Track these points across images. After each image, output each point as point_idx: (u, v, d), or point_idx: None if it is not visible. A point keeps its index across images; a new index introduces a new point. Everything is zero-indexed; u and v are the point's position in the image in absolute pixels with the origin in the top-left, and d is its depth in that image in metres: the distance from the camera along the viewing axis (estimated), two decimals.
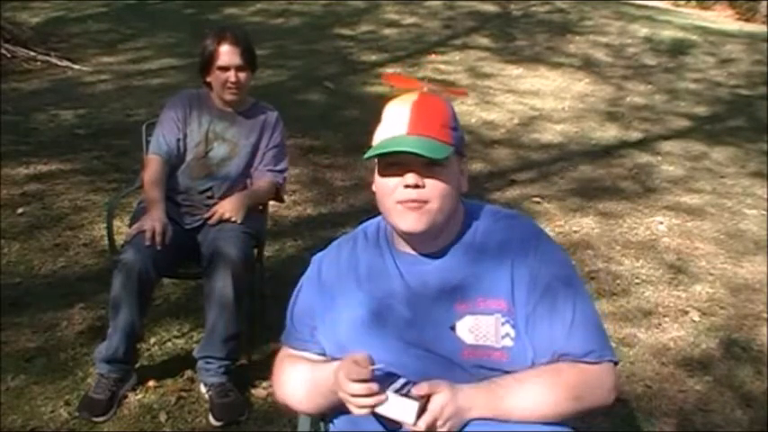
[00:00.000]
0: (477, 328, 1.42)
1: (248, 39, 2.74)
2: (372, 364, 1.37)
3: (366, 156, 1.41)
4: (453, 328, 1.42)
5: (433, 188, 1.41)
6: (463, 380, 1.39)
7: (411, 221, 1.42)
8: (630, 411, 2.69)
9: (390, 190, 1.43)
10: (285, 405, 1.59)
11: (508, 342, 1.41)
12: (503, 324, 1.41)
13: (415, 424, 1.31)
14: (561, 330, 1.42)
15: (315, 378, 1.49)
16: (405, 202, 1.42)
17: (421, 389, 1.33)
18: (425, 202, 1.41)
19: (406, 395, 1.32)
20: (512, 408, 1.37)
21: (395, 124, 1.43)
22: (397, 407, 1.32)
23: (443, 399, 1.33)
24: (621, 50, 8.69)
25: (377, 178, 1.47)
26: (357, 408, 1.35)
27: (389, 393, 1.32)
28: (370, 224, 1.60)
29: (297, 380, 1.54)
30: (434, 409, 1.32)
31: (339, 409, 1.44)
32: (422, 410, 1.31)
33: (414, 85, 1.51)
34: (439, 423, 1.32)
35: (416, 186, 1.40)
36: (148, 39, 7.89)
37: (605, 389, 1.43)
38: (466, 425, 1.36)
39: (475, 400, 1.36)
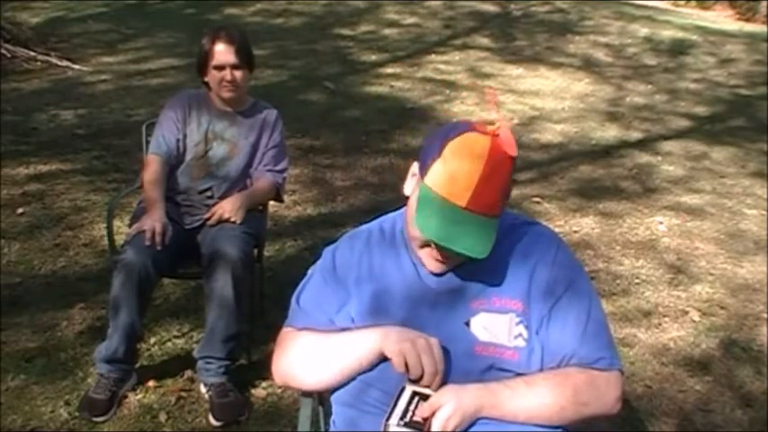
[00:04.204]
0: (492, 326, 1.42)
1: (244, 37, 2.73)
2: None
3: (420, 232, 1.36)
4: (468, 324, 1.43)
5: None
6: (474, 377, 1.40)
7: (435, 266, 1.44)
8: (630, 411, 2.69)
9: (418, 244, 1.44)
10: (285, 384, 1.56)
11: (520, 342, 1.42)
12: (516, 324, 1.42)
13: None
14: (574, 335, 1.43)
15: (340, 336, 1.47)
16: (431, 257, 1.43)
17: (423, 411, 1.33)
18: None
19: (409, 423, 1.32)
20: (517, 409, 1.37)
21: (459, 189, 1.34)
22: None
23: (446, 413, 1.33)
24: (621, 50, 8.70)
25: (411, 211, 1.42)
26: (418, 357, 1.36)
27: (393, 428, 1.32)
28: (386, 220, 1.59)
29: (307, 346, 1.50)
30: (439, 423, 1.32)
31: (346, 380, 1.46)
32: None
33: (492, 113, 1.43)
34: None
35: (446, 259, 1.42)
36: (148, 39, 7.89)
37: (611, 397, 1.44)
38: (472, 425, 1.36)
39: (482, 400, 1.37)
